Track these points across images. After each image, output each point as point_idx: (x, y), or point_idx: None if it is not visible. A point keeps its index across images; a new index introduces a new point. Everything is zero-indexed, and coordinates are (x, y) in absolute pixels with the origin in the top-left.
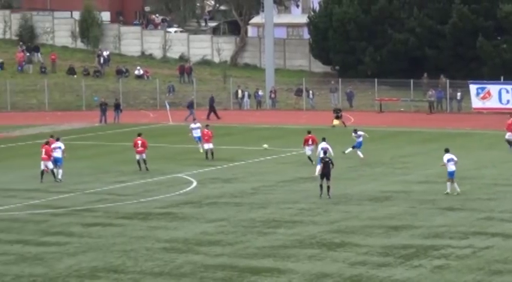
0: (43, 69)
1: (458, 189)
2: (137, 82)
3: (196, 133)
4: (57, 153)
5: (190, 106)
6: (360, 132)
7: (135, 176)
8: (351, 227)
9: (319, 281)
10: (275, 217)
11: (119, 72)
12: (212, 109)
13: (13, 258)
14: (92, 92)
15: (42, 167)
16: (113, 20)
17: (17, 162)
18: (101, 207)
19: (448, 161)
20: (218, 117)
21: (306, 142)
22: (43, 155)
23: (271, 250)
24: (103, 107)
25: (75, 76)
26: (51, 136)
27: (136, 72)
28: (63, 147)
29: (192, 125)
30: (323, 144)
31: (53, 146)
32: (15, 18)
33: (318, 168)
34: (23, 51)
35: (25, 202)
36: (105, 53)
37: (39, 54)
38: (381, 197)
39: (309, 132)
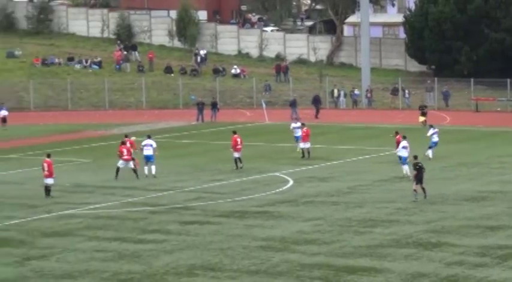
0: (140, 68)
1: None
2: (234, 81)
3: (297, 132)
4: (148, 151)
5: (292, 105)
6: (435, 129)
7: (232, 174)
8: (447, 226)
9: (416, 281)
10: (371, 216)
11: (216, 71)
12: (317, 108)
13: (111, 255)
14: (189, 90)
15: (121, 165)
16: (210, 19)
17: (115, 160)
18: (198, 205)
19: None
20: (317, 117)
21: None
22: (125, 156)
23: (368, 249)
24: (200, 106)
25: (172, 75)
26: (126, 136)
27: (233, 71)
28: (154, 145)
29: (293, 125)
30: (404, 143)
31: (143, 143)
32: (113, 17)
33: (405, 168)
34: (120, 50)
35: (123, 200)
36: (202, 52)
37: (136, 52)
38: (478, 197)
39: (397, 133)
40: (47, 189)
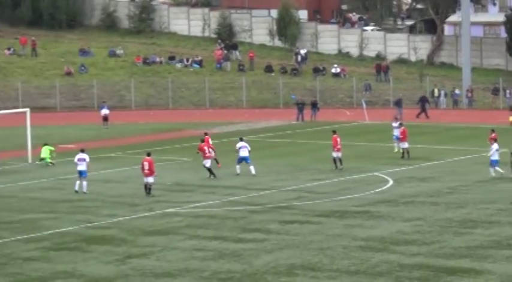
0: (241, 67)
1: None
2: (334, 80)
3: (396, 132)
4: (244, 152)
5: (398, 104)
6: None
7: (331, 174)
8: None
9: None
10: (472, 217)
11: (316, 71)
12: (423, 108)
13: (211, 254)
14: (289, 90)
15: (208, 165)
16: (310, 19)
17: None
18: (298, 205)
19: None
20: (427, 117)
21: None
22: (207, 154)
23: (468, 250)
24: (300, 105)
25: (273, 74)
26: (206, 133)
27: (333, 70)
28: (249, 148)
29: (394, 124)
30: (496, 145)
31: (238, 145)
32: (214, 17)
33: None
34: (221, 49)
35: (223, 199)
36: (302, 51)
37: (237, 52)
38: None
39: (493, 131)
40: (147, 188)
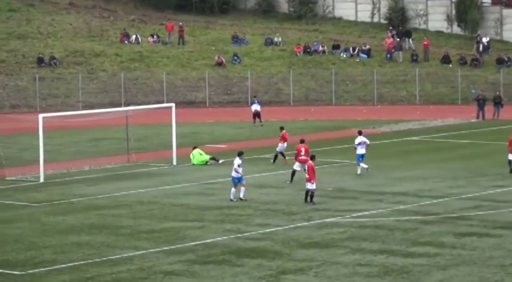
0: (414, 57)
1: None
2: None
3: None
4: (362, 150)
5: None
6: None
7: None
8: None
9: None
10: None
11: (500, 62)
12: None
13: (376, 270)
14: (469, 83)
15: (297, 168)
16: (494, 2)
17: (384, 162)
18: (477, 215)
19: None
20: None
21: None
22: (302, 156)
23: None
24: (480, 101)
25: (450, 65)
26: (282, 128)
27: None
28: (368, 142)
29: None
30: None
31: (356, 141)
32: (385, 0)
33: None
34: (392, 36)
35: (391, 207)
36: (484, 40)
37: (410, 40)
38: None
39: None
40: (308, 195)
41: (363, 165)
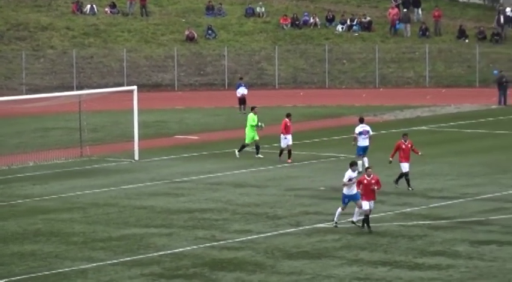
0: (424, 31)
1: None
2: None
3: None
4: (365, 141)
5: None
6: None
7: None
8: None
9: None
10: None
11: None
12: None
13: None
14: (489, 62)
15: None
16: None
17: (386, 157)
18: (497, 219)
19: None
20: None
21: None
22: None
23: None
24: (503, 84)
25: (467, 41)
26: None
27: None
28: (371, 132)
29: None
30: None
31: (357, 130)
32: None
33: None
34: (397, 6)
35: (396, 210)
36: (508, 10)
37: (419, 10)
38: None
39: None
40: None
41: (365, 159)
